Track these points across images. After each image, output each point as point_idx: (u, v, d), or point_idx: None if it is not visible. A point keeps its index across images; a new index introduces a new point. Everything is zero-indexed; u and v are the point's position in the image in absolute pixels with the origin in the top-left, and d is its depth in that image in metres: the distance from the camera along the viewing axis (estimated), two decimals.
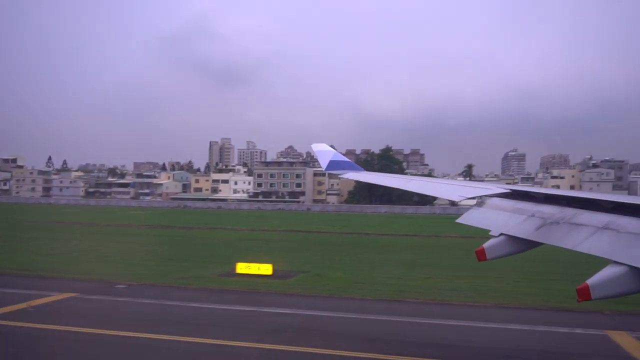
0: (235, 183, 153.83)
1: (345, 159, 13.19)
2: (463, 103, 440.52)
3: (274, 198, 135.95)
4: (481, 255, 5.51)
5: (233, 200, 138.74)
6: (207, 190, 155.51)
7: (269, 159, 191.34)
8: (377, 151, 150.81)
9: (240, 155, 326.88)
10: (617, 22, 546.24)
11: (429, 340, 15.17)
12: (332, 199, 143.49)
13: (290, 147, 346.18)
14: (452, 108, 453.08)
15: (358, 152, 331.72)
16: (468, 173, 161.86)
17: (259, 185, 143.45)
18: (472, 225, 6.19)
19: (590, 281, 4.14)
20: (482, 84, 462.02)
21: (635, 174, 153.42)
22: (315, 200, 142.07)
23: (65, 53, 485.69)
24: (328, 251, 41.62)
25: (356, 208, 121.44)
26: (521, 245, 5.50)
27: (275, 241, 49.87)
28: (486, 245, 5.54)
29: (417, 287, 24.65)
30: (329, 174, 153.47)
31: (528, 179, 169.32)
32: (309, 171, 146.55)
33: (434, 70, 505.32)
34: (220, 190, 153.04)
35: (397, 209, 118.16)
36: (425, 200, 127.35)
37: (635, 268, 4.01)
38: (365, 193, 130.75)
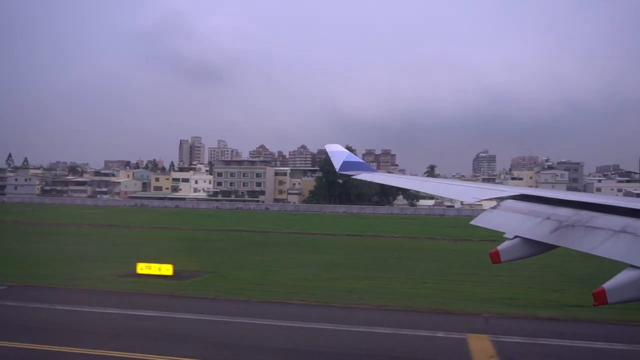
0: (196, 182, 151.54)
1: (359, 160, 13.02)
2: (438, 104, 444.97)
3: (233, 197, 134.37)
4: (495, 257, 5.36)
5: (192, 199, 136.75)
6: (167, 189, 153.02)
7: (240, 159, 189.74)
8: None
9: (211, 154, 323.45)
10: (590, 27, 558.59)
11: (278, 345, 14.59)
12: (294, 199, 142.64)
13: (262, 147, 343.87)
14: (428, 109, 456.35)
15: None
16: (431, 173, 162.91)
17: (219, 184, 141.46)
18: (486, 228, 6.06)
19: (606, 285, 3.90)
20: (457, 85, 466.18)
21: (593, 176, 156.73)
22: (276, 200, 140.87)
23: (38, 48, 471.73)
24: (256, 251, 40.96)
25: (315, 207, 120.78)
26: (536, 248, 5.35)
27: (210, 241, 48.93)
28: (500, 247, 5.40)
29: (316, 288, 24.16)
30: (292, 174, 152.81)
31: (489, 179, 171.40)
32: (270, 170, 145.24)
33: (410, 71, 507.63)
34: (180, 189, 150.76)
35: (355, 208, 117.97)
36: (384, 200, 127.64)
37: None
38: (325, 192, 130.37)
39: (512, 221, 5.80)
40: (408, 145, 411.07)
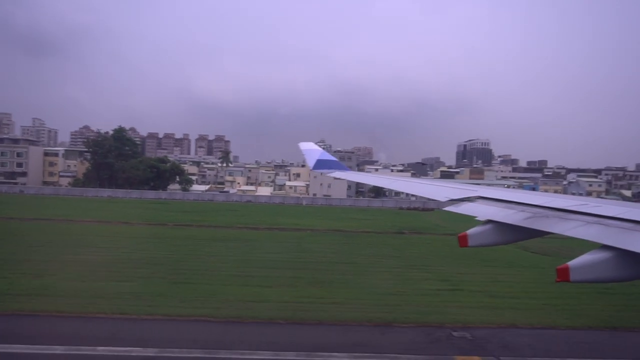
0: None
1: (333, 158, 13.25)
2: (294, 94, 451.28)
3: None
4: (463, 241, 5.05)
5: None
6: None
7: (59, 140, 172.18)
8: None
9: (24, 133, 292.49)
10: (434, 31, 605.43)
11: None
12: (67, 181, 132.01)
13: (86, 127, 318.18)
14: (284, 98, 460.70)
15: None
16: (225, 159, 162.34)
17: None
18: (460, 214, 6.09)
19: (571, 263, 3.79)
20: (312, 77, 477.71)
21: (370, 167, 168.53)
22: (45, 182, 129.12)
23: None
24: None
25: (77, 191, 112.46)
26: (508, 234, 5.12)
27: None
28: (470, 231, 5.12)
29: None
30: (66, 155, 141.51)
31: (282, 166, 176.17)
32: (37, 150, 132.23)
33: (268, 60, 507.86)
34: None
35: (121, 193, 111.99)
36: (159, 185, 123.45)
37: (622, 254, 3.80)
38: (95, 176, 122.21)
39: (488, 210, 5.78)
40: (261, 133, 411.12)
